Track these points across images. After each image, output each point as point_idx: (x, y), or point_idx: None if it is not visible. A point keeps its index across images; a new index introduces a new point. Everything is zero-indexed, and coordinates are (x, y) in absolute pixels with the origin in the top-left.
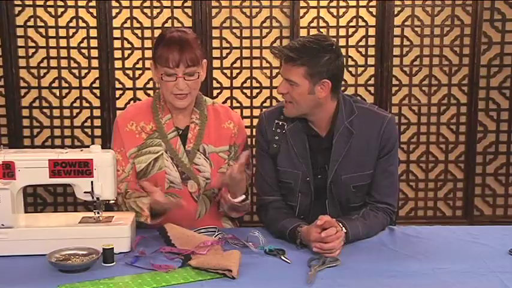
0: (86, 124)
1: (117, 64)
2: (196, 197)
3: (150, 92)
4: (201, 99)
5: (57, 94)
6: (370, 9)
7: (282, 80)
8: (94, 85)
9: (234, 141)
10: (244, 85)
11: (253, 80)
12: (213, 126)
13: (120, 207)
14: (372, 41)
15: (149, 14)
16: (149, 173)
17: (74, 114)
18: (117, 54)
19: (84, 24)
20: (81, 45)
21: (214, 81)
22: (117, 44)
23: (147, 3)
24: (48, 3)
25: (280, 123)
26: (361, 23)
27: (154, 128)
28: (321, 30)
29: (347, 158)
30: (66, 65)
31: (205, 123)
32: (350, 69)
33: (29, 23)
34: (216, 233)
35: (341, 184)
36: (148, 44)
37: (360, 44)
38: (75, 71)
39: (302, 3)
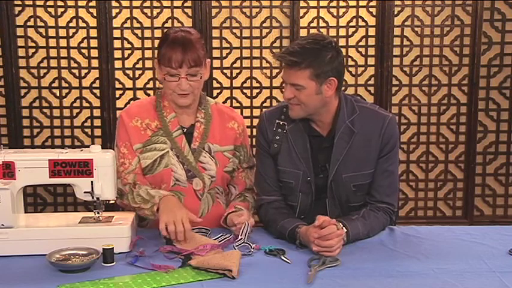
0: (86, 124)
1: (117, 64)
2: (201, 195)
3: (150, 92)
4: (205, 99)
5: (57, 94)
6: (370, 9)
7: (286, 85)
8: (94, 85)
9: (241, 142)
10: (244, 85)
11: (253, 80)
12: (217, 126)
13: (126, 197)
14: (372, 41)
15: (149, 14)
16: (155, 169)
17: (74, 114)
18: (117, 54)
19: (84, 24)
20: (81, 45)
21: (214, 81)
22: (117, 44)
23: (147, 3)
24: (48, 3)
25: (281, 123)
26: (361, 23)
27: (159, 126)
28: (321, 30)
29: (348, 156)
30: (66, 65)
31: (210, 122)
32: (350, 69)
33: (29, 23)
34: (208, 235)
35: (342, 183)
36: (148, 44)
37: (360, 44)
38: (75, 71)
39: (302, 3)
